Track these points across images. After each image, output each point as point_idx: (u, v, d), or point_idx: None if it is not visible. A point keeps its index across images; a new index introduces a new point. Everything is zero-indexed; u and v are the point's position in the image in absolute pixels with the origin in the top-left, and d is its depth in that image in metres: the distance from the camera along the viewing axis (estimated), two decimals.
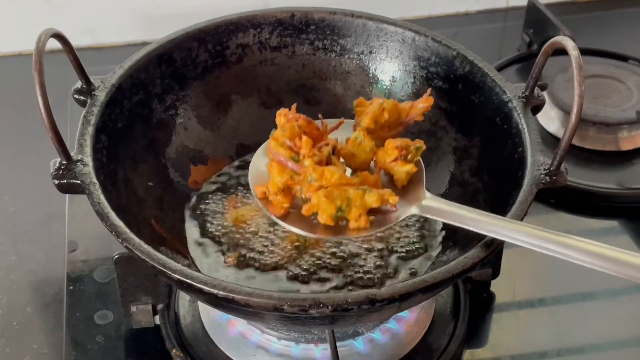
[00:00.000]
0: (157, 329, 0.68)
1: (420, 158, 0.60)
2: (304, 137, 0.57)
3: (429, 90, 0.62)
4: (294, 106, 0.60)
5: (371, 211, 0.57)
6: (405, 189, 0.60)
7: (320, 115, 0.60)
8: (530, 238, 0.53)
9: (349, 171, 0.59)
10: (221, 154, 0.74)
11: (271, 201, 0.58)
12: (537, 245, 0.53)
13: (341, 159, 0.59)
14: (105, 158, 0.62)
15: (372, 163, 0.61)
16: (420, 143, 0.60)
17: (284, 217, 0.58)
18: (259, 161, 0.61)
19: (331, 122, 0.61)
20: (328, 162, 0.58)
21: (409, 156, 0.59)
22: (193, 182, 0.72)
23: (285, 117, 0.59)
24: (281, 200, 0.58)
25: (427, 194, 0.59)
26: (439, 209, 0.57)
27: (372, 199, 0.56)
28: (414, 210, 0.58)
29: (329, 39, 0.74)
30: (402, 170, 0.59)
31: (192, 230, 0.68)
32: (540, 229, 0.54)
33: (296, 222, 0.58)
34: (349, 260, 0.65)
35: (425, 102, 0.62)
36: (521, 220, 0.57)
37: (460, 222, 0.56)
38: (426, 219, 0.69)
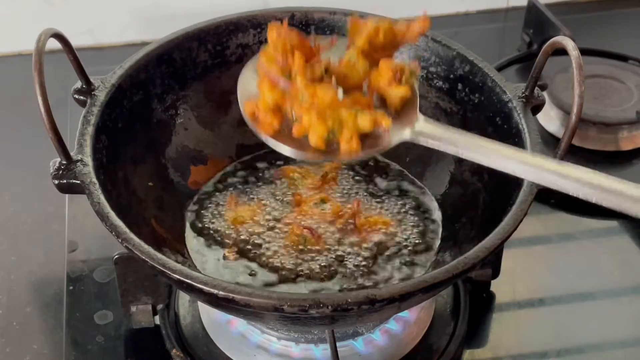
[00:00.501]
0: (157, 329, 0.68)
1: (414, 83, 0.58)
2: (297, 53, 0.55)
3: (424, 12, 0.60)
4: (285, 20, 0.58)
5: (362, 135, 0.55)
6: (399, 114, 0.57)
7: (312, 33, 0.60)
8: (528, 167, 0.52)
9: (341, 92, 0.57)
10: (221, 154, 0.74)
11: (260, 120, 0.56)
12: (534, 175, 0.52)
13: (333, 79, 0.57)
14: (105, 158, 0.62)
15: (364, 85, 0.58)
16: (415, 66, 0.58)
17: (273, 137, 0.56)
18: (247, 77, 0.59)
19: (324, 41, 0.60)
20: (321, 81, 0.55)
21: (404, 78, 0.57)
22: (193, 182, 0.72)
23: (277, 32, 0.56)
24: (270, 119, 0.55)
25: (421, 117, 0.57)
26: (433, 134, 0.55)
27: (365, 121, 0.54)
28: (407, 134, 0.56)
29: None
30: (397, 93, 0.56)
31: (192, 231, 0.68)
32: (540, 157, 0.52)
33: (286, 142, 0.56)
34: (349, 260, 0.65)
35: (421, 23, 0.59)
36: (521, 220, 0.56)
37: (455, 148, 0.54)
38: (424, 219, 0.69)
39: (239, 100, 0.58)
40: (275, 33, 0.56)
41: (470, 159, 0.54)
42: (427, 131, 0.55)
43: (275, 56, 0.55)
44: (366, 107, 0.55)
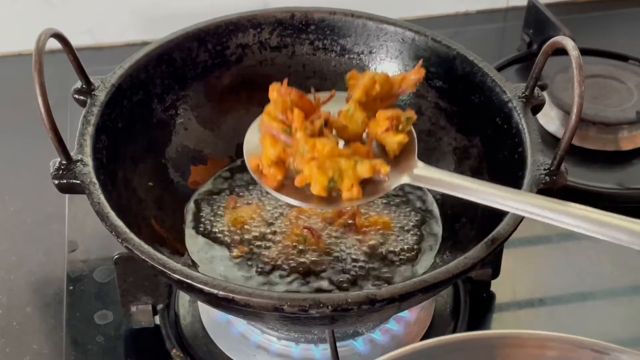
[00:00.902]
0: (157, 329, 0.68)
1: (412, 129, 0.61)
2: (296, 110, 0.58)
3: (420, 62, 0.62)
4: (285, 81, 0.60)
5: (363, 182, 0.57)
6: (398, 160, 0.60)
7: (312, 89, 0.61)
8: (523, 205, 0.53)
9: (342, 143, 0.60)
10: (221, 154, 0.74)
11: (265, 174, 0.59)
12: (532, 213, 0.52)
13: (334, 132, 0.60)
14: (105, 158, 0.62)
15: (364, 135, 0.61)
16: (411, 113, 0.60)
17: (278, 190, 0.59)
18: (252, 136, 0.62)
19: (324, 96, 0.62)
20: (320, 135, 0.58)
21: (400, 126, 0.59)
22: (193, 182, 0.72)
23: (278, 92, 0.59)
24: (274, 173, 0.58)
25: (420, 163, 0.59)
26: (431, 178, 0.58)
27: (363, 169, 0.56)
28: (405, 179, 0.58)
29: (329, 39, 0.74)
30: (394, 140, 0.59)
31: (192, 230, 0.68)
32: (534, 196, 0.54)
33: (290, 193, 0.58)
34: (349, 260, 0.65)
35: (416, 73, 0.61)
36: (521, 220, 0.57)
37: (453, 191, 0.56)
38: (424, 220, 0.69)
39: (244, 157, 0.61)
40: (275, 92, 0.59)
41: (468, 198, 0.56)
42: (424, 175, 0.58)
43: (276, 114, 0.58)
44: (365, 155, 0.58)
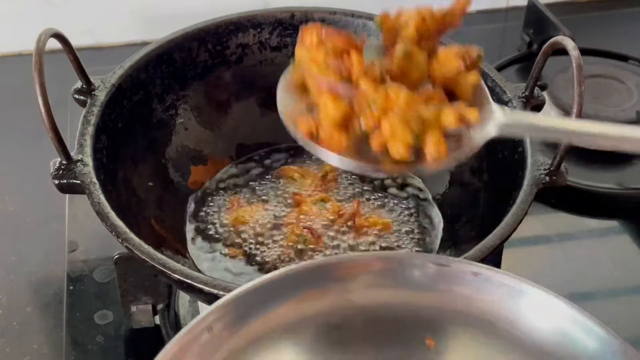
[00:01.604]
0: (157, 329, 0.68)
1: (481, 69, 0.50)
2: (353, 53, 0.46)
3: None
4: (318, 26, 0.49)
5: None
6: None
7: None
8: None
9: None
10: (221, 154, 0.74)
11: (324, 139, 0.47)
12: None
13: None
14: (105, 158, 0.62)
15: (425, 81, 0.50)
16: (479, 49, 0.49)
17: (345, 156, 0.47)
18: (287, 95, 0.51)
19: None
20: (383, 83, 0.47)
21: (471, 64, 0.49)
22: (193, 182, 0.72)
23: (319, 35, 0.47)
24: (337, 137, 0.46)
25: (498, 107, 0.48)
26: (522, 124, 0.48)
27: (450, 117, 0.45)
28: (491, 130, 0.47)
29: None
30: (468, 82, 0.48)
31: (192, 230, 0.68)
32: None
33: (361, 160, 0.46)
34: None
35: (461, 2, 0.50)
36: (521, 220, 0.56)
37: (551, 135, 0.49)
38: (425, 218, 0.69)
39: (284, 121, 0.50)
40: (316, 37, 0.48)
41: (571, 142, 0.49)
42: (514, 122, 0.47)
43: (328, 60, 0.47)
44: (442, 102, 0.47)
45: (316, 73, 0.47)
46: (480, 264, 0.49)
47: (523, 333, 0.47)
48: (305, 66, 0.48)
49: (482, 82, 0.49)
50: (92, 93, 0.64)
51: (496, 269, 0.48)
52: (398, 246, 0.67)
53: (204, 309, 0.68)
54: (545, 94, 0.79)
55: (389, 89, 0.45)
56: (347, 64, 0.46)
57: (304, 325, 0.47)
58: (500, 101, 0.66)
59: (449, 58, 0.49)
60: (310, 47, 0.47)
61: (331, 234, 0.67)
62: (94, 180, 0.58)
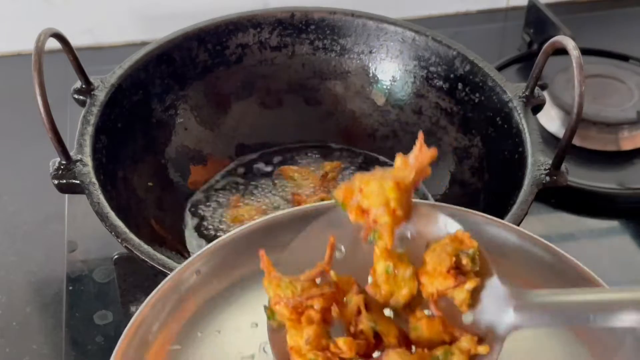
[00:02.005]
0: None
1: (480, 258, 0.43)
2: (341, 342, 0.41)
3: (420, 135, 0.43)
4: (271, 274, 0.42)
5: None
6: (475, 305, 0.42)
7: (328, 271, 0.43)
8: None
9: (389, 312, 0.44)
10: (221, 154, 0.74)
11: None
12: None
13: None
14: (104, 158, 0.62)
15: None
16: (470, 243, 0.42)
17: None
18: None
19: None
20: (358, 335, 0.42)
21: (466, 268, 0.42)
22: (193, 182, 0.72)
23: (286, 306, 0.42)
24: None
25: (514, 289, 0.41)
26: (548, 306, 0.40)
27: None
28: (512, 319, 0.40)
29: (329, 39, 0.74)
30: (463, 292, 0.42)
31: (191, 230, 0.68)
32: None
33: None
34: None
35: (423, 156, 0.43)
36: (521, 220, 0.56)
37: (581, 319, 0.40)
38: None
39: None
40: (287, 310, 0.42)
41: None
42: (534, 313, 0.41)
43: (312, 356, 0.41)
44: (446, 332, 0.42)
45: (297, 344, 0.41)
46: (454, 207, 0.48)
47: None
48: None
49: (486, 257, 0.42)
50: (92, 93, 0.64)
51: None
52: None
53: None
54: (545, 93, 0.79)
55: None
56: (336, 351, 0.41)
57: None
58: (501, 101, 0.66)
59: (438, 275, 0.42)
60: (291, 334, 0.42)
61: None
62: (94, 180, 0.58)
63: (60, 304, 0.71)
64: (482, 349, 0.40)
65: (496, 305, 0.41)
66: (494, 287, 0.41)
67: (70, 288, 0.72)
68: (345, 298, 0.43)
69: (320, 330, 0.41)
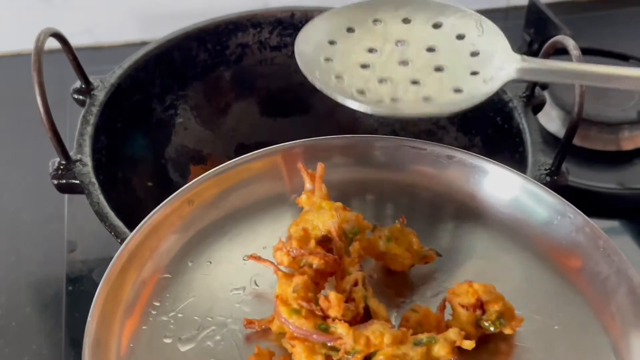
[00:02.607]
0: None
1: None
2: (332, 295, 0.42)
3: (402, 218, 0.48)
4: (286, 238, 0.46)
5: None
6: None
7: (331, 230, 0.45)
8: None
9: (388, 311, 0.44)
10: (221, 153, 0.74)
11: None
12: None
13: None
14: (104, 158, 0.62)
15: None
16: (498, 302, 0.44)
17: None
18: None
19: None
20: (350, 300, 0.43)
21: (489, 323, 0.44)
22: None
23: (287, 254, 0.44)
24: None
25: (516, 55, 0.47)
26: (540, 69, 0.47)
27: (442, 351, 0.41)
28: (512, 73, 0.46)
29: None
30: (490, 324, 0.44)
31: None
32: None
33: None
34: None
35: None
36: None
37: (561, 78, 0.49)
38: None
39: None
40: (286, 257, 0.44)
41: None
42: (530, 68, 0.47)
43: (299, 304, 0.42)
44: (434, 325, 0.44)
45: (284, 315, 0.41)
46: (456, 149, 0.52)
47: (482, 205, 0.51)
48: (276, 307, 0.42)
49: (498, 31, 0.49)
50: (92, 93, 0.64)
51: (471, 153, 0.52)
52: None
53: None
54: (546, 93, 0.79)
55: (370, 334, 0.41)
56: (323, 305, 0.41)
57: (280, 200, 0.51)
58: (501, 101, 0.65)
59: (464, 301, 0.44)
60: (280, 282, 0.43)
61: None
62: (93, 180, 0.58)
63: (60, 304, 0.71)
64: (467, 344, 0.41)
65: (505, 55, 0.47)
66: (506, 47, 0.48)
67: (70, 288, 0.72)
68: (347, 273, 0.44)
69: (309, 284, 0.42)
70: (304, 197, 0.48)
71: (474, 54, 0.48)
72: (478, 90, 0.46)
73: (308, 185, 0.48)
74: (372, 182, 0.53)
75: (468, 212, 0.51)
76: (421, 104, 0.46)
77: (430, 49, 0.48)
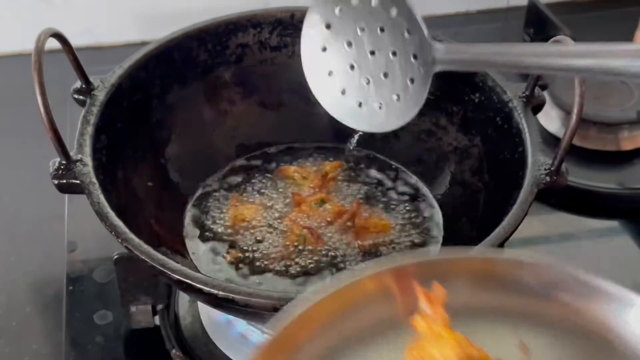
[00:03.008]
0: (157, 329, 0.68)
1: None
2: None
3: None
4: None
5: None
6: None
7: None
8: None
9: None
10: (221, 153, 0.74)
11: None
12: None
13: None
14: (104, 158, 0.62)
15: None
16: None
17: None
18: None
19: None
20: None
21: None
22: (193, 182, 0.72)
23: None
24: None
25: (438, 44, 0.51)
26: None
27: None
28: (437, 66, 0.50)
29: None
30: None
31: (191, 230, 0.68)
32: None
33: None
34: (347, 260, 0.65)
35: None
36: (521, 220, 0.56)
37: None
38: (426, 219, 0.69)
39: None
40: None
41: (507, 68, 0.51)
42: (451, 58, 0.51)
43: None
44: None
45: None
46: (589, 272, 0.44)
47: (629, 345, 0.43)
48: None
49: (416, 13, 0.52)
50: (92, 93, 0.64)
51: (604, 278, 0.44)
52: (397, 247, 0.67)
53: (204, 309, 0.68)
54: (545, 93, 0.79)
55: None
56: None
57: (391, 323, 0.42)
58: (501, 101, 0.66)
59: None
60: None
61: (330, 234, 0.67)
62: (94, 180, 0.58)
63: (60, 304, 0.71)
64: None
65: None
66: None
67: (70, 288, 0.72)
68: None
69: None
70: (419, 319, 0.41)
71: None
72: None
73: (423, 306, 0.41)
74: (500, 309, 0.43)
75: (609, 351, 0.43)
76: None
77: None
